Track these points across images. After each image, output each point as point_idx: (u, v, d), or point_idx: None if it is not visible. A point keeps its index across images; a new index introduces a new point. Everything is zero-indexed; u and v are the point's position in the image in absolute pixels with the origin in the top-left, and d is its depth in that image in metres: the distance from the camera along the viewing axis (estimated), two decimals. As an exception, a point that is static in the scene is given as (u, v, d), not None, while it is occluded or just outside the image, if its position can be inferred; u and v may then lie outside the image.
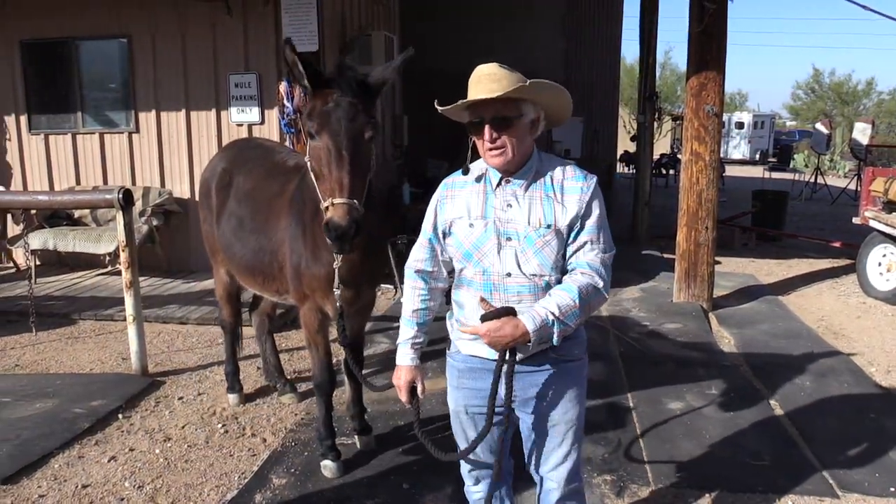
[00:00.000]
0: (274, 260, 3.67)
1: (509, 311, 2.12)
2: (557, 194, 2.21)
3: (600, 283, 2.18)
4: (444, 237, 2.34)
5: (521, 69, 2.22)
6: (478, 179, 2.28)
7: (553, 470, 2.37)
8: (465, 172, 2.31)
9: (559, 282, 2.21)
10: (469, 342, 2.31)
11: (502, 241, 2.20)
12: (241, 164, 4.17)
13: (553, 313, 2.09)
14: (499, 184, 2.24)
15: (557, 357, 2.26)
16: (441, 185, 2.39)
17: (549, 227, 2.18)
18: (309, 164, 2.95)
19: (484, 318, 2.12)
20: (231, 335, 4.61)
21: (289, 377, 4.79)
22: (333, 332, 3.72)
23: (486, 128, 2.15)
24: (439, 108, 2.25)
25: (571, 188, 2.21)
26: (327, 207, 2.76)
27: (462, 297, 2.31)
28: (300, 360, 5.33)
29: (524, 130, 2.19)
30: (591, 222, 2.20)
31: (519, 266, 2.19)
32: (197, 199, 4.72)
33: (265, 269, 3.76)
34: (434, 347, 5.44)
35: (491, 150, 2.17)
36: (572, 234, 2.20)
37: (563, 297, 2.12)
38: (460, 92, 2.19)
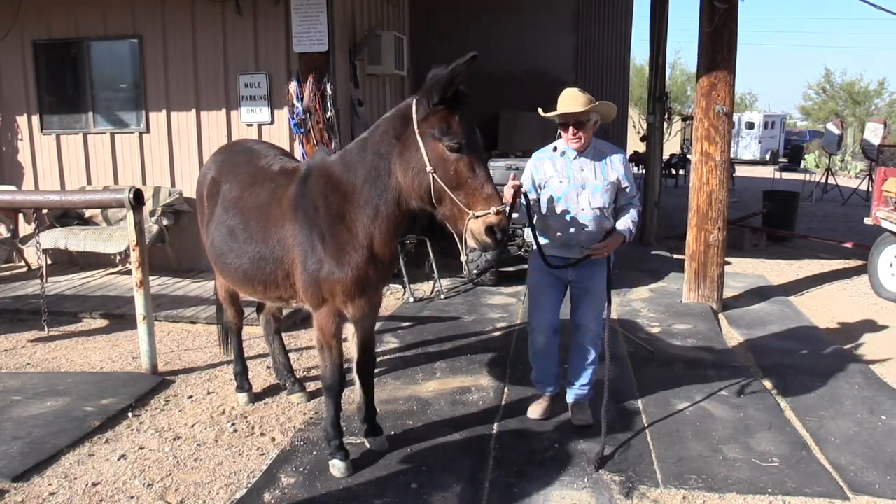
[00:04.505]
0: (279, 268, 3.61)
1: (613, 230, 3.88)
2: (609, 162, 3.94)
3: (640, 208, 4.14)
4: (539, 188, 3.97)
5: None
6: (562, 154, 3.96)
7: (591, 321, 4.07)
8: (555, 149, 3.98)
9: (612, 212, 3.95)
10: (551, 247, 3.98)
11: (579, 190, 3.89)
12: (227, 171, 4.09)
13: (631, 223, 3.92)
14: (575, 157, 3.93)
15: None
16: (533, 156, 4.05)
17: (608, 181, 3.90)
18: (435, 174, 3.11)
19: (604, 237, 3.86)
20: (237, 336, 4.63)
21: (298, 376, 4.80)
22: (344, 334, 3.74)
23: (571, 127, 3.83)
24: (543, 113, 3.90)
25: (615, 158, 3.96)
26: (480, 216, 3.08)
27: (550, 220, 3.94)
28: (309, 359, 5.34)
29: (590, 127, 3.88)
30: (630, 178, 3.99)
31: (590, 203, 3.88)
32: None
33: (266, 278, 3.70)
34: (442, 348, 5.48)
35: (573, 140, 3.87)
36: (621, 184, 3.92)
37: (633, 214, 3.95)
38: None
